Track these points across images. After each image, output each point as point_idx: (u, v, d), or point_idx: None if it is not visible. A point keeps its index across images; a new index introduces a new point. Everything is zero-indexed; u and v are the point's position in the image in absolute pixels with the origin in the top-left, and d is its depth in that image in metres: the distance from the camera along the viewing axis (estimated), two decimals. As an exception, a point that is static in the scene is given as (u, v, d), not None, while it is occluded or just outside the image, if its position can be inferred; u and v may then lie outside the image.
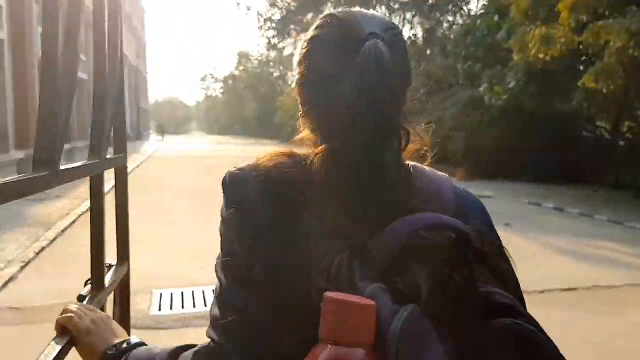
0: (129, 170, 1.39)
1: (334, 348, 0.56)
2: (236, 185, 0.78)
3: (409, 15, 27.63)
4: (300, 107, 0.85)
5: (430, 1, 23.33)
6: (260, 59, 59.93)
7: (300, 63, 0.83)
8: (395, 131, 0.76)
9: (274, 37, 29.60)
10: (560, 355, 0.63)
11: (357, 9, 0.83)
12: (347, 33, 0.78)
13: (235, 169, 0.79)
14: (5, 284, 4.80)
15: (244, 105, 66.18)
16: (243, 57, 62.71)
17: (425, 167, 0.86)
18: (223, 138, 59.10)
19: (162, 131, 51.85)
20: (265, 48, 36.28)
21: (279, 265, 0.72)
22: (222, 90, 73.09)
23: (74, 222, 7.71)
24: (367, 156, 0.72)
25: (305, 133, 0.85)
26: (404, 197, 0.74)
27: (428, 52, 19.69)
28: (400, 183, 0.75)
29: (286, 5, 28.99)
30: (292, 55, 44.08)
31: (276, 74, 60.81)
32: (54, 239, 6.56)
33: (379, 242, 0.67)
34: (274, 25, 29.33)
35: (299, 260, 0.70)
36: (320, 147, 0.76)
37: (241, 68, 63.66)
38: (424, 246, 0.64)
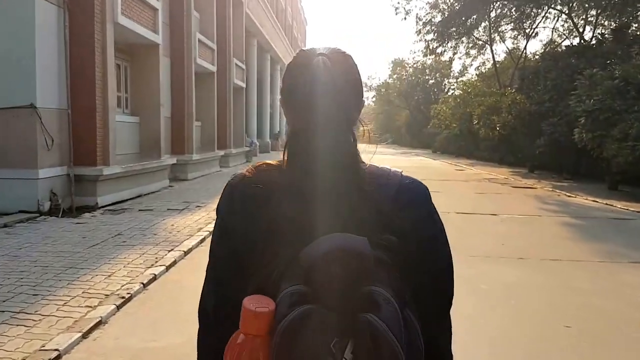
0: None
1: (242, 336, 0.82)
2: (223, 191, 1.08)
3: (593, 13, 23.84)
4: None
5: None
6: (415, 65, 58.19)
7: (281, 91, 1.06)
8: (341, 126, 0.97)
9: (432, 40, 27.72)
10: (395, 346, 0.77)
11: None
12: (304, 57, 1.01)
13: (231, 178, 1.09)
14: (88, 332, 3.86)
15: (396, 113, 64.90)
16: (397, 64, 61.47)
17: (382, 167, 1.07)
18: (372, 147, 58.18)
19: None
20: (422, 53, 34.53)
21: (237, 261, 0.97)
22: (374, 99, 72.57)
23: (203, 240, 6.94)
24: (321, 134, 0.94)
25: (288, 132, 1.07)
26: (350, 189, 0.94)
27: (619, 52, 16.29)
28: (348, 166, 0.97)
29: (447, 6, 26.99)
30: (451, 60, 41.84)
31: (431, 81, 58.58)
32: (172, 265, 5.74)
33: (306, 253, 0.83)
34: (433, 27, 27.48)
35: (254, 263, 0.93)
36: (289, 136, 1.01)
37: (395, 76, 62.48)
38: (326, 267, 0.81)
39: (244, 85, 23.60)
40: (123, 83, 12.44)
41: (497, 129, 21.03)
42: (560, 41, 30.07)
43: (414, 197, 1.01)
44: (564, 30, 28.75)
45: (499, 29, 29.92)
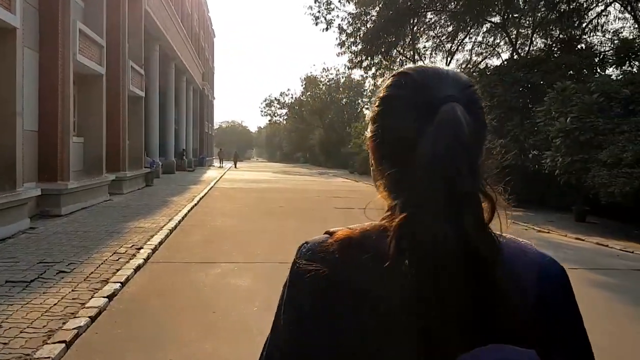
0: None
1: None
2: (294, 265, 0.82)
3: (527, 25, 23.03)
4: (372, 162, 0.86)
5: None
6: (329, 83, 56.66)
7: (373, 121, 0.84)
8: (475, 198, 0.73)
9: (360, 52, 25.54)
10: None
11: (431, 64, 0.84)
12: (422, 94, 0.78)
13: (305, 247, 0.83)
14: None
15: (309, 132, 62.92)
16: (310, 81, 59.64)
17: (506, 237, 0.79)
18: (287, 167, 55.82)
19: (236, 157, 49.71)
20: (346, 67, 32.47)
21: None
22: (286, 117, 70.23)
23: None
24: (444, 227, 0.68)
25: (381, 192, 0.85)
26: (483, 287, 0.69)
27: (577, 64, 14.85)
28: (479, 263, 0.70)
29: (372, 18, 25.05)
30: (365, 78, 40.37)
31: (345, 100, 57.32)
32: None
33: None
34: (358, 39, 25.36)
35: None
36: (400, 217, 0.74)
37: (308, 93, 60.60)
38: None
39: (142, 94, 19.79)
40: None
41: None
42: (479, 60, 29.44)
43: (556, 284, 0.78)
44: (487, 47, 27.91)
45: (421, 45, 28.67)
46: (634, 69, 13.59)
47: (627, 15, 20.73)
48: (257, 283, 6.06)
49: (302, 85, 62.07)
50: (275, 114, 69.24)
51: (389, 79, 0.85)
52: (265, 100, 68.44)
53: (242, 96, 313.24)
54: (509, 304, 0.71)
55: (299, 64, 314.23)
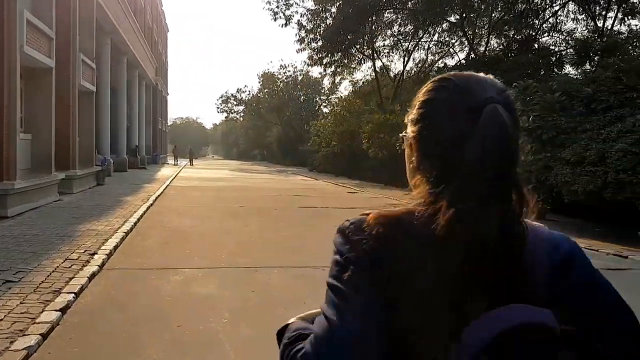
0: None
1: None
2: (344, 238, 0.87)
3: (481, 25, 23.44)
4: (413, 161, 0.92)
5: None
6: (287, 80, 56.22)
7: (416, 122, 0.90)
8: (515, 192, 0.82)
9: (319, 49, 25.32)
10: None
11: (468, 72, 0.91)
12: (465, 96, 0.84)
13: (347, 224, 0.88)
14: None
15: (267, 129, 62.33)
16: (267, 78, 59.02)
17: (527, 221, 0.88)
18: (245, 164, 55.16)
19: (191, 155, 48.77)
20: (306, 64, 32.17)
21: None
22: (242, 113, 69.28)
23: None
24: (490, 215, 0.77)
25: (420, 189, 0.89)
26: (510, 268, 0.79)
27: (537, 63, 15.17)
28: (514, 247, 0.80)
29: (332, 15, 24.92)
30: (324, 76, 40.21)
31: (303, 97, 57.06)
32: None
33: (472, 333, 0.74)
34: (318, 36, 25.17)
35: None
36: (444, 206, 0.80)
37: (265, 90, 59.96)
38: (513, 347, 0.72)
39: (94, 88, 18.94)
40: None
41: (397, 149, 19.16)
42: (435, 59, 29.87)
43: (574, 257, 0.91)
44: (443, 46, 28.29)
45: (380, 44, 28.79)
46: (594, 68, 13.98)
47: (579, 16, 21.45)
48: (224, 290, 5.76)
49: (259, 82, 61.29)
50: (232, 111, 68.19)
51: (428, 84, 0.91)
52: (221, 97, 67.24)
53: (197, 92, 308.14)
54: (527, 279, 0.82)
55: (256, 59, 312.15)
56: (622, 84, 11.02)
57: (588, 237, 10.83)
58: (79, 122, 16.30)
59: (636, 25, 19.69)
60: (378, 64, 29.34)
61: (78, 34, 16.20)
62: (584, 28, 21.89)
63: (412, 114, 0.92)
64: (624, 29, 18.79)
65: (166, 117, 61.82)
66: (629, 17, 18.72)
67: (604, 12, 18.94)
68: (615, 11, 18.76)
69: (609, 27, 18.58)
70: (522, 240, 0.81)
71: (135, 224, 9.88)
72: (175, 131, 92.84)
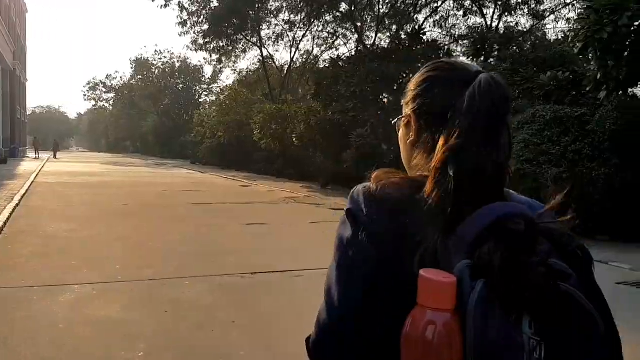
0: None
1: (430, 312, 0.73)
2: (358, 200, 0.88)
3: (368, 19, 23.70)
4: (411, 136, 0.96)
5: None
6: (164, 67, 53.05)
7: (415, 97, 0.95)
8: (507, 134, 0.87)
9: (204, 34, 23.81)
10: (594, 314, 0.74)
11: (452, 59, 1.02)
12: (459, 72, 0.92)
13: (363, 188, 0.89)
14: None
15: (141, 118, 58.46)
16: (141, 64, 55.22)
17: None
18: (117, 157, 51.30)
19: (56, 147, 44.25)
20: (189, 48, 30.10)
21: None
22: (113, 101, 64.32)
23: None
24: (488, 155, 0.82)
25: (418, 159, 0.93)
26: (500, 190, 0.86)
27: (432, 55, 15.53)
28: (503, 176, 0.86)
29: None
30: (207, 62, 38.35)
31: (181, 86, 54.28)
32: None
33: (469, 223, 0.78)
34: (204, 19, 23.66)
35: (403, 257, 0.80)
36: (440, 144, 0.84)
37: (139, 77, 56.09)
38: (501, 231, 0.77)
39: None
40: None
41: (294, 140, 18.54)
42: (321, 50, 29.87)
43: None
44: (330, 37, 28.32)
45: (265, 33, 28.05)
46: (490, 60, 14.52)
47: (457, 12, 22.57)
48: (130, 312, 4.70)
49: (131, 68, 57.14)
50: (101, 99, 62.91)
51: (424, 68, 0.98)
52: (88, 84, 61.38)
53: (60, 79, 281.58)
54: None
55: (127, 44, 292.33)
56: (519, 76, 11.48)
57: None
58: None
59: (511, 22, 21.18)
60: (264, 52, 28.58)
61: None
62: (461, 24, 23.28)
63: (410, 93, 0.97)
64: (501, 25, 20.08)
65: (25, 106, 55.58)
66: (506, 14, 20.06)
67: (482, 10, 20.09)
68: (493, 8, 20.00)
69: (488, 25, 19.76)
70: (510, 178, 0.89)
71: (1, 229, 8.20)
72: (36, 121, 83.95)
